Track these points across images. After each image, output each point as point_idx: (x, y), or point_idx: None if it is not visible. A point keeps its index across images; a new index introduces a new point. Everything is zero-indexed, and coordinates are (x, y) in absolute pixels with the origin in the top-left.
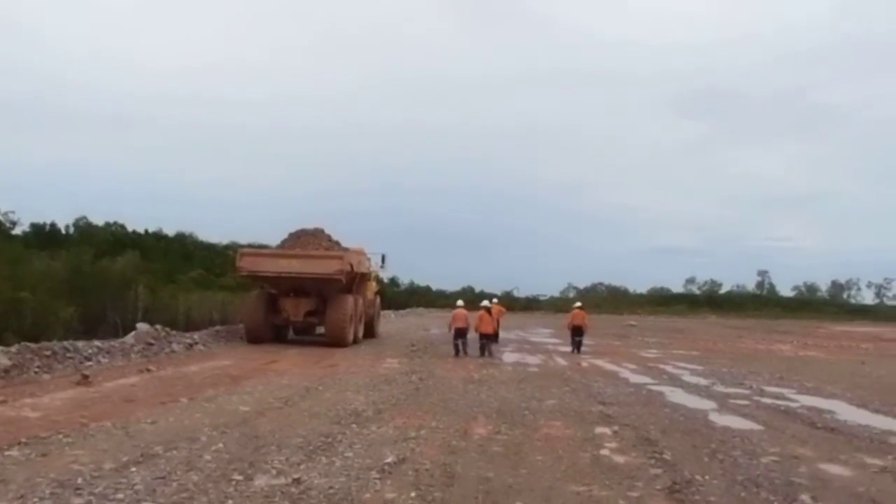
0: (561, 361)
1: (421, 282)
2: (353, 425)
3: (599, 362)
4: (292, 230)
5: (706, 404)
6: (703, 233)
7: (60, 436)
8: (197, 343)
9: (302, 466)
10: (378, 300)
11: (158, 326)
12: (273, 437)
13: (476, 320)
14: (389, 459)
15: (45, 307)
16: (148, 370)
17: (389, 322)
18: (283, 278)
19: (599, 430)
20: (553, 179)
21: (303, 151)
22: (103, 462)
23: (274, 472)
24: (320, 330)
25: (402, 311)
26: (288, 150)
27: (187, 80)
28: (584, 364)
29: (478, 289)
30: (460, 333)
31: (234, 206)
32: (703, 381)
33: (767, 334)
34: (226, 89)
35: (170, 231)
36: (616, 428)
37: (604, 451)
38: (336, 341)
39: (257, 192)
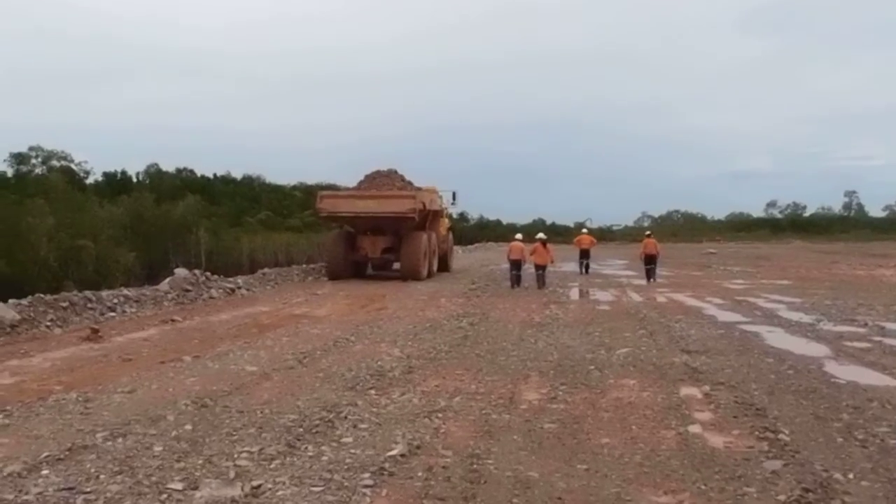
0: (635, 297)
1: (491, 216)
2: (372, 391)
3: (679, 296)
4: (368, 172)
5: (817, 349)
6: (781, 154)
7: (1, 415)
8: (241, 287)
9: (275, 463)
10: (451, 236)
11: (197, 271)
12: (260, 414)
13: (531, 252)
14: (397, 450)
15: (106, 254)
16: (172, 321)
17: (456, 258)
18: (361, 218)
19: (686, 391)
20: (624, 104)
21: (369, 96)
22: (15, 457)
23: (232, 473)
24: (397, 265)
25: (470, 247)
26: (354, 97)
27: (251, 34)
28: (662, 299)
29: (549, 221)
30: (515, 265)
31: (304, 152)
32: (805, 318)
33: (863, 258)
34: (291, 39)
35: (237, 174)
36: (707, 388)
37: (694, 428)
38: (411, 275)
39: (326, 136)
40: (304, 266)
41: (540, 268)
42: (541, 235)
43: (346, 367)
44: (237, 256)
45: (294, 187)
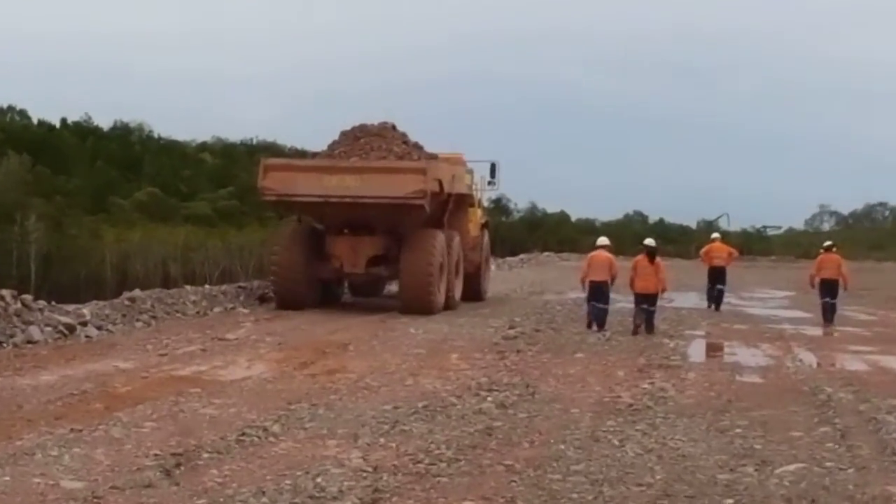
0: (809, 358)
1: (549, 206)
2: None
3: (892, 360)
4: (346, 128)
5: None
6: None
7: None
8: (86, 324)
9: None
10: (486, 238)
11: (7, 293)
12: None
13: (631, 271)
14: None
15: None
16: None
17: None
18: (333, 205)
19: None
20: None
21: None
22: None
23: None
24: (392, 288)
25: (512, 259)
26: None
27: None
28: (858, 364)
29: (652, 216)
30: (598, 293)
31: (224, 85)
32: None
33: None
34: None
35: (102, 121)
36: None
37: None
38: (416, 304)
39: (270, 59)
40: (223, 288)
41: (645, 299)
42: (648, 241)
43: (252, 487)
44: (95, 266)
45: (202, 146)
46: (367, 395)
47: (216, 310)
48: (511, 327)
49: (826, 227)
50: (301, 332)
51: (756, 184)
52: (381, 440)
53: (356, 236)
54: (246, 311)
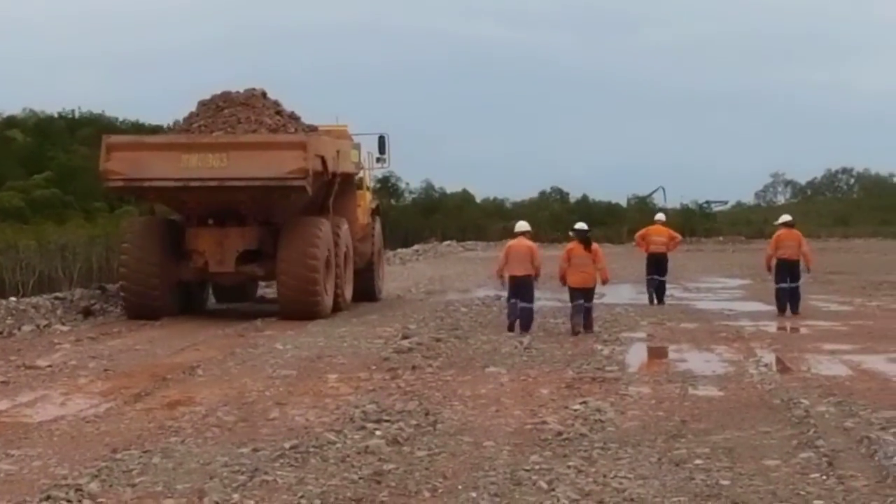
0: (775, 362)
1: (449, 185)
2: None
3: (878, 360)
4: (205, 98)
5: None
6: None
7: None
8: None
9: None
10: (378, 227)
11: None
12: None
13: (561, 261)
14: None
15: None
16: None
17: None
18: (194, 191)
19: None
20: None
21: None
22: None
23: None
24: (268, 290)
25: (405, 251)
26: None
27: None
28: (837, 367)
29: (574, 194)
30: (520, 287)
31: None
32: None
33: None
34: None
35: None
36: None
37: None
38: (298, 309)
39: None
40: (34, 300)
41: (583, 293)
42: (580, 225)
43: None
44: None
45: (9, 121)
46: (217, 434)
47: (25, 328)
48: (405, 337)
49: (781, 199)
50: (136, 353)
51: (696, 151)
52: (236, 497)
53: (223, 228)
54: (65, 328)
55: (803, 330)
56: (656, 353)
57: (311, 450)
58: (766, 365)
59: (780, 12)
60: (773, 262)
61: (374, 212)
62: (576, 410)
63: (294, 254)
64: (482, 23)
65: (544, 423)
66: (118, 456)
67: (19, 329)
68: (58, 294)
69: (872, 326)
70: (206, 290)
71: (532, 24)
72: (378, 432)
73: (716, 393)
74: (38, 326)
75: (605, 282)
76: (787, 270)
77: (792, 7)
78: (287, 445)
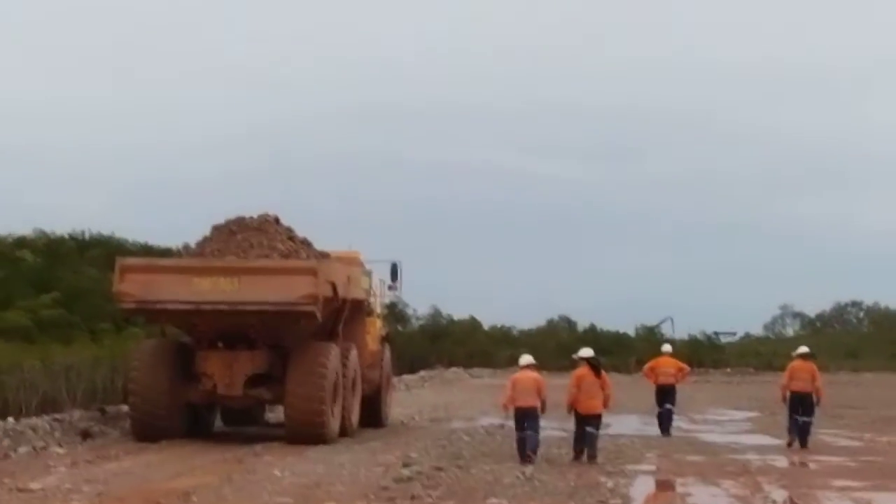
0: (784, 499)
1: (458, 309)
2: None
3: (892, 501)
4: (218, 222)
5: None
6: None
7: None
8: None
9: None
10: (388, 354)
11: None
12: None
13: (571, 388)
14: None
15: None
16: None
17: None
18: (205, 314)
19: None
20: None
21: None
22: None
23: None
24: (273, 416)
25: (411, 377)
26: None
27: None
28: None
29: (583, 322)
30: (525, 418)
31: (49, 176)
32: None
33: None
34: None
35: None
36: None
37: None
38: (304, 432)
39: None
40: (31, 421)
41: (590, 420)
42: (585, 352)
43: None
44: None
45: (20, 241)
46: None
47: (21, 450)
48: (405, 465)
49: (790, 331)
50: (131, 477)
51: (704, 282)
52: None
53: (232, 351)
54: (62, 450)
55: (812, 465)
56: (661, 487)
57: None
58: (773, 502)
59: (790, 147)
60: (787, 393)
61: (384, 339)
62: None
63: (302, 378)
64: (495, 154)
65: None
66: None
67: (15, 451)
68: (56, 415)
69: (883, 463)
70: (214, 412)
71: (540, 152)
72: None
73: None
74: (34, 448)
75: (606, 406)
76: (800, 403)
77: (801, 142)
78: None
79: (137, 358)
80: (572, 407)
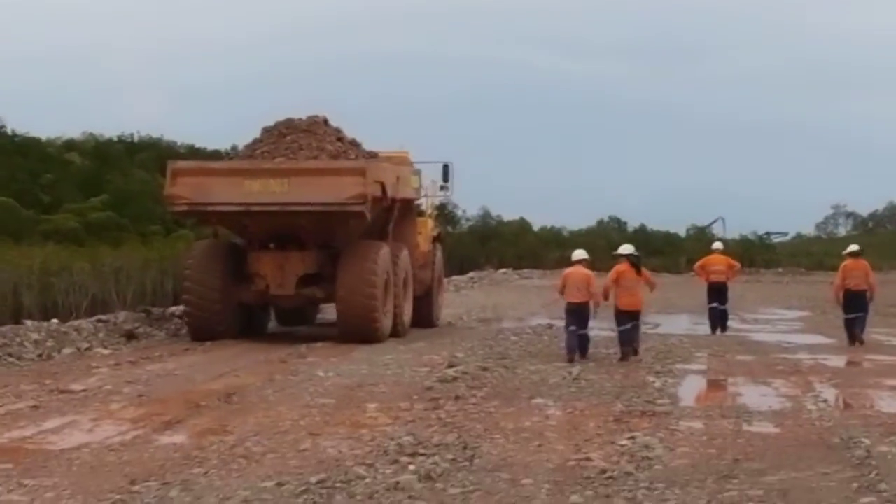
0: (835, 398)
1: (508, 210)
2: None
3: None
4: (268, 124)
5: None
6: None
7: None
8: None
9: None
10: (439, 254)
11: None
12: None
13: (608, 282)
14: None
15: None
16: None
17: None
18: (256, 215)
19: None
20: None
21: None
22: None
23: None
24: (326, 315)
25: (460, 278)
26: None
27: None
28: None
29: (633, 222)
30: (577, 315)
31: (101, 80)
32: None
33: None
34: None
35: None
36: None
37: None
38: (357, 332)
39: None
40: (76, 323)
41: (631, 316)
42: (627, 249)
43: None
44: None
45: (69, 144)
46: (243, 466)
47: (66, 351)
48: (451, 365)
49: (842, 231)
50: (173, 378)
51: (756, 182)
52: None
53: (284, 252)
54: (106, 351)
55: (865, 364)
56: (710, 387)
57: (339, 485)
58: (825, 401)
59: (846, 44)
60: (841, 292)
61: (436, 239)
62: (622, 446)
63: (353, 277)
64: (540, 53)
65: (588, 459)
66: (135, 488)
67: (59, 352)
68: (101, 317)
69: None
70: (267, 312)
71: (591, 54)
72: (411, 467)
73: (771, 430)
74: (78, 349)
75: (652, 289)
76: (855, 301)
77: (857, 39)
78: (314, 480)
79: (191, 258)
80: (606, 297)
